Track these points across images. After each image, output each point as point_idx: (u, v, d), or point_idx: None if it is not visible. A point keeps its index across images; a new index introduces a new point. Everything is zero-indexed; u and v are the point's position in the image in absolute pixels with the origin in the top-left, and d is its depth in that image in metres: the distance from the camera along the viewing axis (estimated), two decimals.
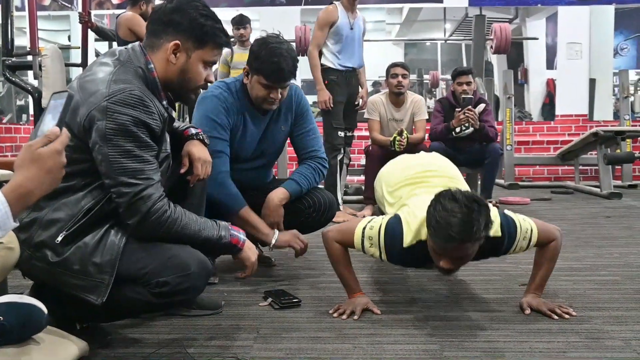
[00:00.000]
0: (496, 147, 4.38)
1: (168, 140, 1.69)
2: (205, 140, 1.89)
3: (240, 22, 5.43)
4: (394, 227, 1.87)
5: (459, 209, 1.65)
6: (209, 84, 2.20)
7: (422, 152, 2.53)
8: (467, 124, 4.26)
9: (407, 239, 1.83)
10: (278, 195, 2.34)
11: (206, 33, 1.63)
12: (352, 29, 4.20)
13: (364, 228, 1.90)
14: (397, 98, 4.37)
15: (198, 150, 1.82)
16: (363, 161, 5.37)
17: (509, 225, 1.85)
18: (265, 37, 2.32)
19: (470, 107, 4.22)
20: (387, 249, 1.87)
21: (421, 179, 2.13)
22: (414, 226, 1.83)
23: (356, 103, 4.35)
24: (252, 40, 5.34)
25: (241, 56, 5.14)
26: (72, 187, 1.52)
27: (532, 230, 1.88)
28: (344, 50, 4.20)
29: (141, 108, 1.50)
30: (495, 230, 1.81)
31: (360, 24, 4.30)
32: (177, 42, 1.60)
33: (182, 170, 1.80)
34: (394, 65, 4.39)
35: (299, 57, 2.40)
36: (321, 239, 2.00)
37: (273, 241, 2.28)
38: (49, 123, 1.13)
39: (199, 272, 1.58)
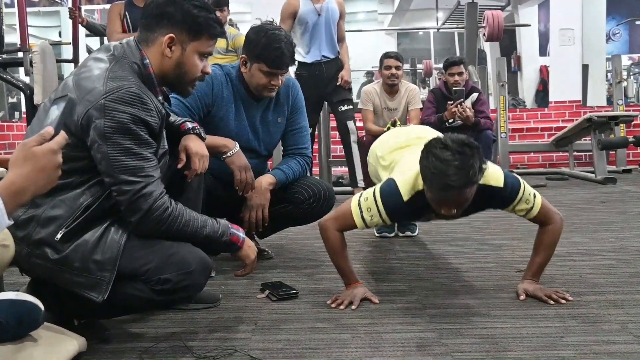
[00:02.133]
0: (488, 133, 4.38)
1: (165, 136, 1.69)
2: (202, 135, 1.88)
3: (218, 3, 4.80)
4: (389, 188, 1.89)
5: (452, 157, 1.65)
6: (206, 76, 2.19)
7: (412, 125, 2.58)
8: (458, 117, 4.26)
9: (405, 194, 1.85)
10: (267, 179, 2.36)
11: (200, 24, 1.61)
12: (319, 14, 4.08)
13: (359, 202, 1.90)
14: (391, 88, 4.35)
15: (195, 145, 1.82)
16: None
17: (512, 181, 1.87)
18: (261, 25, 2.31)
19: (462, 101, 4.20)
20: (388, 210, 1.87)
21: (412, 142, 2.15)
22: (408, 180, 1.85)
23: (338, 84, 4.21)
24: (228, 25, 5.19)
25: (219, 42, 4.96)
26: (69, 184, 1.51)
27: (535, 197, 1.90)
28: (313, 39, 4.10)
29: (139, 105, 1.49)
30: (497, 180, 1.83)
31: (333, 7, 4.16)
32: (172, 35, 1.59)
33: (180, 165, 1.79)
34: (387, 56, 4.35)
35: None
36: (318, 230, 2.00)
37: (234, 149, 2.24)
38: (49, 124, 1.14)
39: (200, 269, 1.58)
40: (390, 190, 1.88)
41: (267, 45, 2.23)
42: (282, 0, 4.24)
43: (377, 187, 1.92)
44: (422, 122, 4.39)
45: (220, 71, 2.36)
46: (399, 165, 2.02)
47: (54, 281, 1.54)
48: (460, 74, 4.38)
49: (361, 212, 1.89)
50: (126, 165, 1.48)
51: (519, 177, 1.92)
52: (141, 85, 1.54)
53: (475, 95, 4.43)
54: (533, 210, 1.90)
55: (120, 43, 1.63)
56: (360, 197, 1.92)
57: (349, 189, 4.94)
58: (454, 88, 4.29)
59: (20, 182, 1.06)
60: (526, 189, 1.89)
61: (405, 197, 1.85)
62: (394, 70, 4.25)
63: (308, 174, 2.57)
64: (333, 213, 2.00)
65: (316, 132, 4.67)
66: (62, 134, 1.11)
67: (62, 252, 1.49)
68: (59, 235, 1.48)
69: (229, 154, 2.22)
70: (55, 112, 1.49)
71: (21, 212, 1.48)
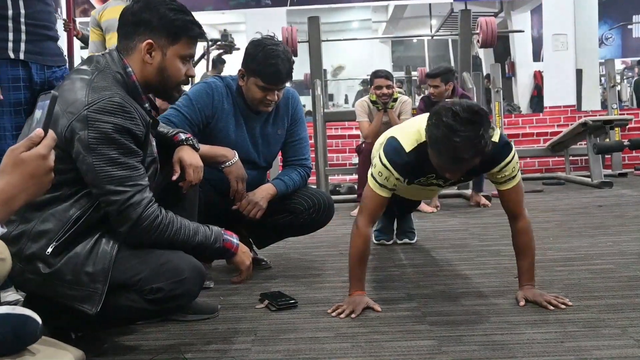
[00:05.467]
0: None
1: (154, 143, 1.68)
2: (196, 145, 1.88)
3: None
4: (391, 145, 1.92)
5: (462, 127, 1.63)
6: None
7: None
8: None
9: (407, 146, 1.88)
10: (267, 189, 2.37)
11: (178, 27, 1.61)
12: None
13: (371, 174, 1.95)
14: (383, 106, 4.35)
15: (189, 156, 1.82)
16: (354, 160, 5.37)
17: (506, 140, 1.91)
18: (260, 39, 2.32)
19: None
20: (394, 165, 1.90)
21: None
22: (409, 134, 1.89)
23: None
24: None
25: (115, 10, 3.67)
26: (58, 197, 1.50)
27: (518, 172, 1.92)
28: None
29: (122, 115, 1.49)
30: (494, 135, 1.83)
31: None
32: (150, 41, 1.59)
33: (174, 177, 1.79)
34: (376, 75, 4.32)
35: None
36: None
37: (233, 160, 2.24)
38: (35, 126, 1.10)
39: (192, 277, 1.57)
40: (392, 146, 1.91)
41: (264, 60, 2.23)
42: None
43: (381, 151, 1.95)
44: None
45: (221, 83, 2.37)
46: (398, 129, 2.05)
47: (47, 295, 1.53)
48: (435, 87, 4.34)
49: (376, 181, 1.92)
50: (112, 175, 1.48)
51: (512, 142, 1.95)
52: (124, 94, 1.54)
53: None
54: (513, 181, 1.91)
55: (103, 54, 1.63)
56: (371, 170, 1.96)
57: (346, 197, 4.94)
58: (446, 101, 4.28)
59: (10, 189, 1.04)
60: (515, 156, 1.91)
61: (407, 148, 1.88)
62: (384, 90, 4.25)
63: (306, 184, 2.58)
64: (360, 206, 2.02)
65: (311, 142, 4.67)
66: (51, 135, 1.07)
67: (53, 265, 1.48)
68: (50, 249, 1.48)
69: (227, 163, 2.23)
70: (40, 111, 1.48)
71: (12, 227, 1.48)
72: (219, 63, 7.90)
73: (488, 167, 1.91)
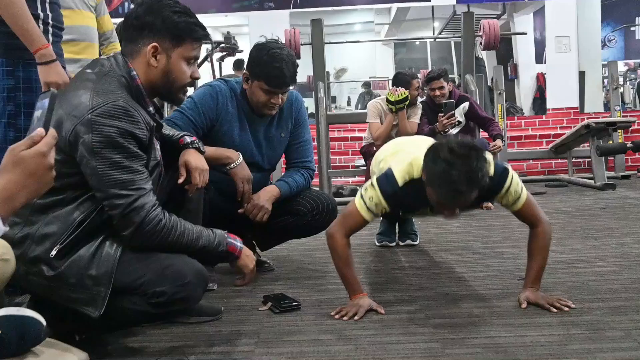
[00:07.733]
0: (483, 141, 4.40)
1: (158, 147, 1.68)
2: (201, 148, 1.88)
3: None
4: (385, 175, 1.93)
5: (458, 160, 1.66)
6: (211, 91, 2.18)
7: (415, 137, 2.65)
8: (451, 127, 4.28)
9: (400, 179, 1.88)
10: (271, 191, 2.38)
11: (182, 30, 1.61)
12: None
13: (361, 196, 1.94)
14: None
15: (194, 159, 1.82)
16: (357, 162, 5.37)
17: (501, 171, 1.88)
18: (264, 43, 2.33)
19: (452, 113, 4.19)
20: (385, 196, 1.91)
21: (412, 147, 2.17)
22: (403, 168, 1.89)
23: None
24: None
25: None
26: (62, 200, 1.51)
27: (522, 190, 1.91)
28: None
29: (126, 118, 1.49)
30: (489, 167, 1.83)
31: None
32: (155, 44, 1.59)
33: (180, 180, 1.79)
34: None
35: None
36: (319, 242, 2.01)
37: (238, 161, 2.26)
38: (36, 125, 1.10)
39: (195, 281, 1.57)
40: (386, 177, 1.92)
41: (268, 64, 2.24)
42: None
43: (374, 178, 1.96)
44: (417, 133, 4.41)
45: (225, 86, 2.38)
46: (396, 157, 2.05)
47: (51, 298, 1.54)
48: (440, 88, 4.37)
49: (365, 203, 1.92)
50: (116, 179, 1.48)
51: (508, 166, 1.94)
52: (128, 98, 1.54)
53: (466, 105, 4.42)
54: (519, 202, 1.91)
55: (108, 58, 1.64)
56: (360, 190, 1.96)
57: (349, 199, 4.92)
58: (443, 101, 4.28)
59: (10, 187, 1.04)
60: (514, 178, 1.90)
61: (400, 182, 1.89)
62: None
63: (310, 186, 2.59)
64: (339, 218, 2.01)
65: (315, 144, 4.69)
66: (51, 133, 1.08)
67: (57, 268, 1.49)
68: (53, 252, 1.48)
69: (232, 165, 2.24)
70: (40, 110, 1.48)
71: (16, 230, 1.48)
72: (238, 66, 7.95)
73: (489, 197, 1.94)
